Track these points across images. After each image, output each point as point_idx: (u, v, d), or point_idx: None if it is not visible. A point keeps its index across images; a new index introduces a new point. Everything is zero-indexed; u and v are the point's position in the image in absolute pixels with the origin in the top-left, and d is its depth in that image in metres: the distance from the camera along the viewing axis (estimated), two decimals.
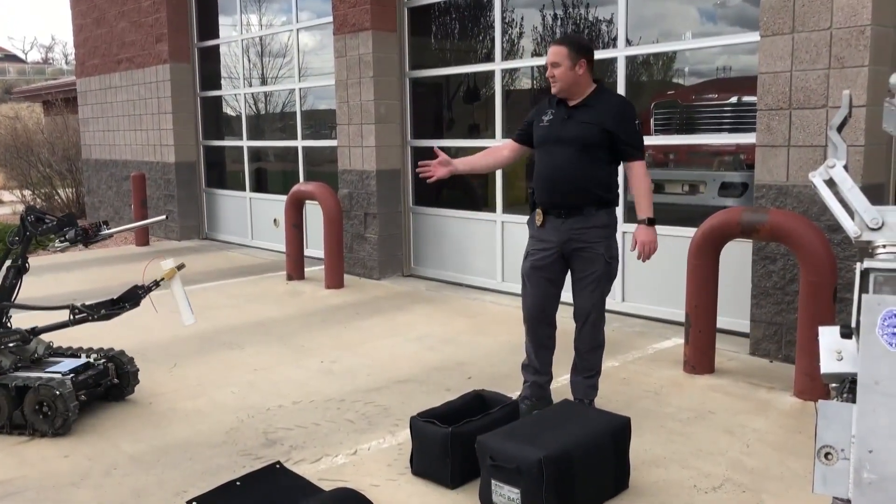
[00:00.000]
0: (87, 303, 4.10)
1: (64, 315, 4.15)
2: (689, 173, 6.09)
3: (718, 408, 4.09)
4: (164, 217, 4.86)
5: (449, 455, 3.23)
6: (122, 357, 4.37)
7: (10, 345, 4.11)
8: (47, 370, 4.11)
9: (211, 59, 10.71)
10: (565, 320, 3.98)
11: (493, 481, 3.01)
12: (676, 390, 4.36)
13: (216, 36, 10.53)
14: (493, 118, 6.97)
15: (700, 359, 4.62)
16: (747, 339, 5.01)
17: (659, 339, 5.37)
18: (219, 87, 10.66)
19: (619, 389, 4.35)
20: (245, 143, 10.18)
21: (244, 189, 10.24)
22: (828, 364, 1.73)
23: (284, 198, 7.82)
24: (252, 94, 10.10)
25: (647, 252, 3.74)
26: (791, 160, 4.66)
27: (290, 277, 7.74)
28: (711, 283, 4.58)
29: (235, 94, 10.32)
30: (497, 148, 4.18)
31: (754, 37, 4.97)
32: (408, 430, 3.58)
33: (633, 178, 3.78)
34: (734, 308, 5.20)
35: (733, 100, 5.82)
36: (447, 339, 5.52)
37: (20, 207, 15.16)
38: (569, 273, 3.89)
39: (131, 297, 4.14)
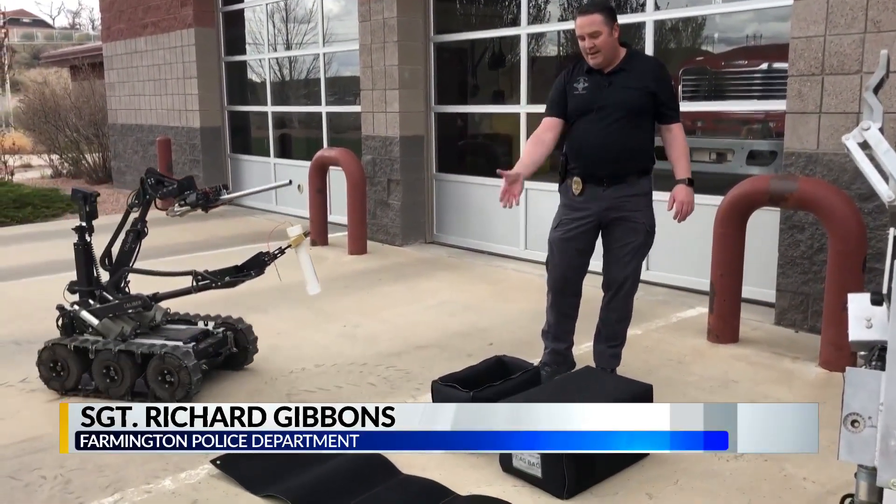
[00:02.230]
0: (210, 269, 4.00)
1: (184, 281, 4.04)
2: (717, 141, 5.99)
3: (742, 377, 4.06)
4: (288, 182, 4.61)
5: None
6: (240, 325, 4.26)
7: (130, 311, 4.02)
8: (168, 337, 4.01)
9: (235, 23, 10.67)
10: (588, 289, 3.96)
11: None
12: (699, 359, 4.33)
13: (241, 0, 10.49)
14: (519, 84, 6.89)
15: (724, 328, 4.58)
16: (772, 309, 4.96)
17: (683, 308, 5.33)
18: (243, 52, 10.64)
19: (641, 357, 4.33)
20: (269, 109, 10.18)
21: (268, 155, 10.26)
22: (857, 331, 1.70)
23: (308, 164, 7.82)
24: (276, 59, 10.06)
25: (684, 212, 3.64)
26: (822, 127, 4.56)
27: (313, 243, 7.76)
28: (737, 251, 4.52)
29: (260, 60, 10.29)
30: (539, 135, 3.84)
31: (787, 0, 4.84)
32: (429, 395, 3.60)
33: (672, 140, 3.70)
34: (760, 277, 5.14)
35: (763, 66, 5.70)
36: (469, 305, 5.52)
37: (48, 172, 15.33)
38: (599, 242, 3.81)
39: (256, 264, 4.01)
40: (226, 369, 4.24)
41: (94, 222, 4.10)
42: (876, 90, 1.69)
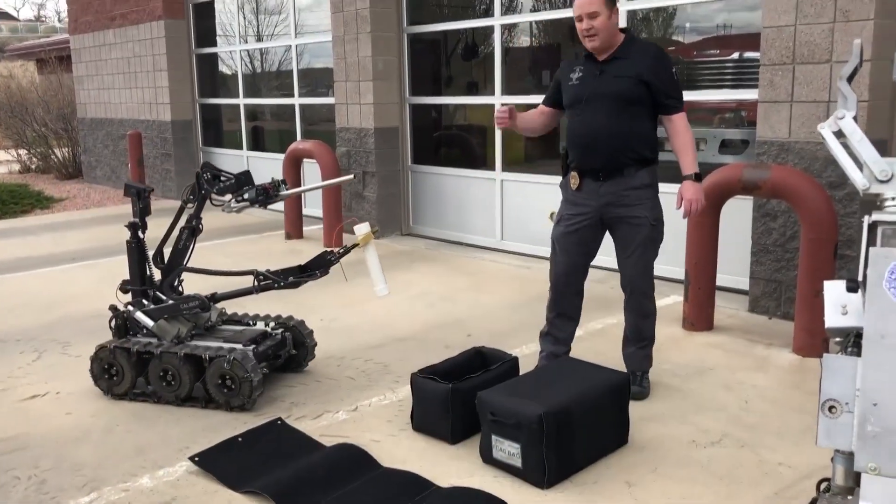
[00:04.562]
0: (272, 269, 3.83)
1: (243, 281, 3.91)
2: None
3: (717, 364, 4.11)
4: (352, 176, 4.35)
5: (449, 411, 3.24)
6: (299, 326, 4.10)
7: (186, 312, 3.85)
8: (225, 340, 3.83)
9: (206, 15, 10.54)
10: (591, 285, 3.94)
11: (493, 437, 3.02)
12: (675, 347, 4.37)
13: None
14: (493, 75, 6.89)
15: (699, 316, 4.63)
16: (746, 297, 5.02)
17: (658, 297, 5.32)
18: (214, 44, 10.52)
19: (618, 346, 4.34)
20: (241, 101, 10.08)
21: (241, 147, 10.17)
22: (832, 318, 1.72)
23: (282, 156, 7.76)
24: (248, 51, 9.96)
25: (694, 209, 3.48)
26: (793, 116, 4.61)
27: (288, 236, 7.73)
28: (711, 240, 4.56)
29: (231, 52, 10.18)
30: (534, 111, 3.87)
31: None
32: (408, 387, 3.60)
33: (675, 133, 3.53)
34: (733, 265, 5.19)
35: (735, 56, 5.74)
36: (446, 297, 5.52)
37: (16, 167, 15.08)
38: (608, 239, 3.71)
39: (321, 264, 3.84)
40: (284, 372, 4.10)
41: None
42: (849, 79, 1.71)
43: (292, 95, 9.17)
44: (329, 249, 3.86)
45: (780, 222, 4.73)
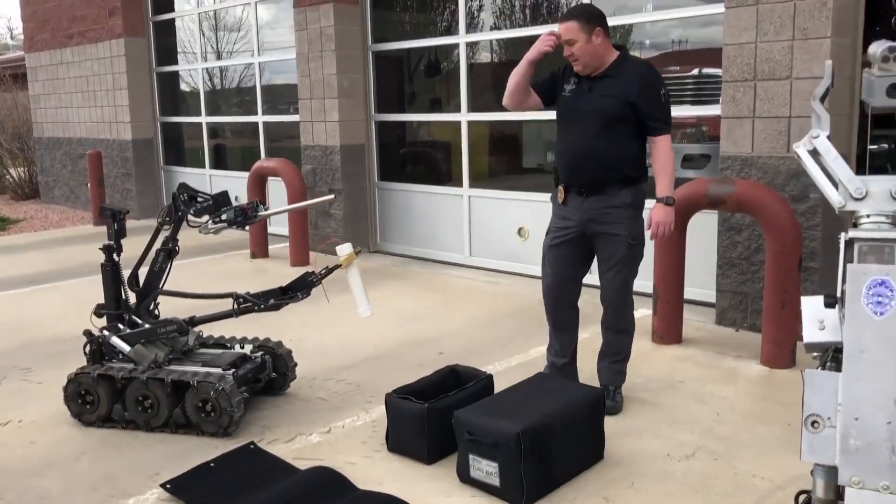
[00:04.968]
0: (241, 290, 3.78)
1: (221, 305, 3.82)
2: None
3: (688, 377, 4.15)
4: (331, 196, 4.25)
5: (425, 431, 3.22)
6: (278, 348, 4.03)
7: (163, 336, 3.76)
8: (204, 364, 3.75)
9: (167, 33, 10.44)
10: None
11: (470, 456, 3.01)
12: (645, 361, 4.40)
13: (171, 9, 10.26)
14: (459, 92, 6.92)
15: (668, 329, 4.67)
16: (713, 309, 5.08)
17: None
18: (175, 62, 10.41)
19: (591, 361, 4.37)
20: (204, 119, 9.99)
21: (204, 166, 10.06)
22: (810, 334, 1.74)
23: (246, 174, 7.69)
24: (210, 69, 9.88)
25: (661, 233, 3.51)
26: (756, 131, 4.70)
27: (253, 255, 7.65)
28: (679, 254, 4.62)
29: (192, 70, 10.09)
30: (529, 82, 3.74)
31: (719, 8, 4.98)
32: (381, 407, 3.57)
33: (656, 155, 3.53)
34: (700, 278, 5.26)
35: (695, 72, 5.84)
36: (417, 314, 5.50)
37: None
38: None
39: (303, 285, 3.76)
40: (265, 395, 4.02)
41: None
42: (822, 99, 1.75)
43: (255, 113, 9.11)
44: (311, 270, 3.80)
45: (745, 235, 4.81)
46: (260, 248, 7.64)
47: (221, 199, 3.81)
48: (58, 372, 4.45)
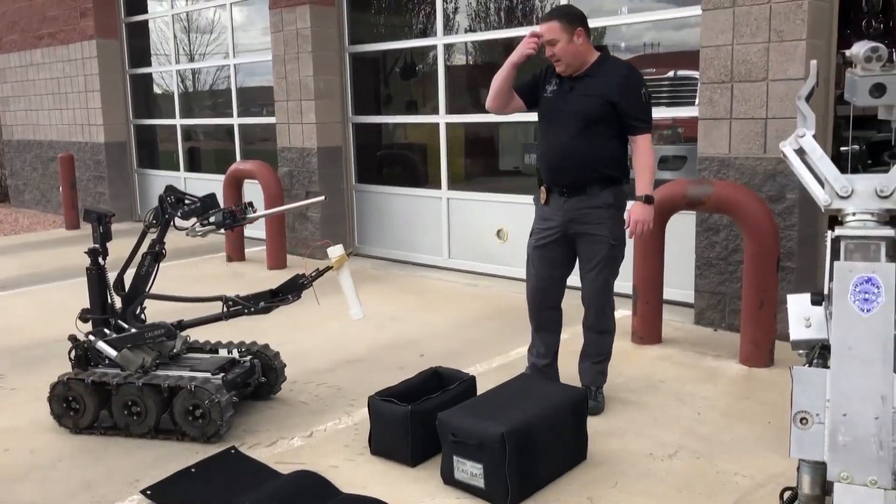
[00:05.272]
0: (242, 294, 3.71)
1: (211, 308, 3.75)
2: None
3: (668, 377, 4.17)
4: (323, 198, 4.22)
5: (409, 433, 3.21)
6: (266, 351, 3.97)
7: (150, 341, 3.69)
8: (192, 368, 3.69)
9: (140, 34, 10.33)
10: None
11: (455, 458, 3.00)
12: (626, 361, 4.42)
13: (144, 11, 10.16)
14: (437, 94, 6.91)
15: (648, 330, 4.70)
16: (691, 310, 5.12)
17: None
18: (149, 63, 10.30)
19: (572, 362, 4.38)
20: (178, 122, 9.89)
21: (178, 169, 9.96)
22: (797, 331, 1.76)
23: (221, 177, 7.62)
24: (184, 70, 9.79)
25: (639, 231, 3.51)
26: (733, 132, 4.75)
27: (229, 259, 7.59)
28: (658, 255, 4.64)
29: (163, 72, 9.99)
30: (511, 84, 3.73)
31: (695, 10, 5.02)
32: (363, 410, 3.55)
33: (636, 153, 3.53)
34: (678, 279, 5.29)
35: (670, 74, 5.88)
36: (396, 317, 5.48)
37: None
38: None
39: (293, 288, 3.71)
40: (254, 399, 3.97)
41: None
42: (807, 99, 1.76)
43: (231, 115, 9.04)
44: (301, 273, 3.76)
45: (723, 236, 4.85)
46: (236, 252, 7.58)
47: (209, 202, 3.76)
48: (31, 378, 4.38)
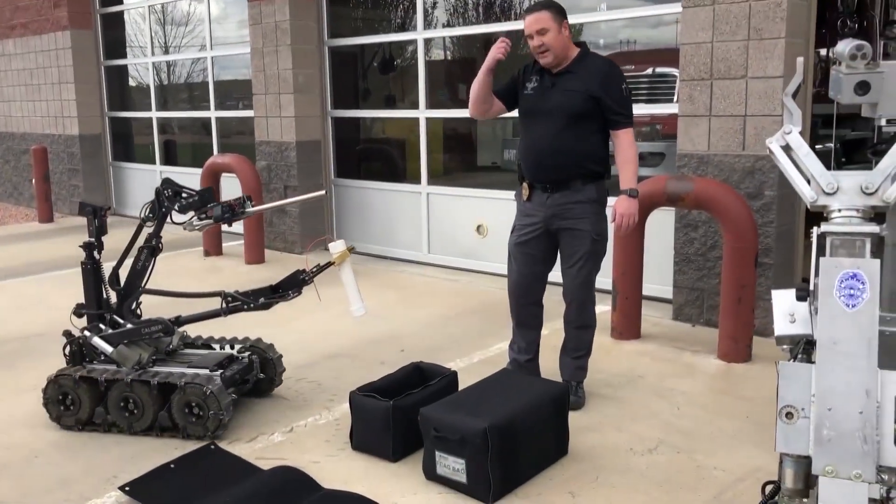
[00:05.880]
0: (242, 290, 3.65)
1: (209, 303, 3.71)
2: None
3: (647, 372, 4.20)
4: (322, 192, 4.14)
5: (390, 428, 3.20)
6: (264, 347, 3.93)
7: (146, 336, 3.64)
8: (189, 365, 3.65)
9: (115, 26, 10.19)
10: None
11: (437, 453, 2.99)
12: (605, 356, 4.44)
13: (120, 2, 10.02)
14: (417, 88, 6.89)
15: (627, 325, 4.72)
16: (670, 305, 5.15)
17: None
18: (124, 55, 10.17)
19: (551, 357, 4.39)
20: (154, 115, 9.78)
21: (154, 162, 9.85)
22: (781, 326, 1.77)
23: (198, 171, 7.55)
24: (160, 63, 9.67)
25: (625, 225, 3.49)
26: (712, 130, 4.78)
27: (207, 253, 7.52)
28: (637, 250, 4.67)
29: (139, 64, 9.86)
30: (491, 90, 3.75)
31: (675, 8, 5.05)
32: (344, 406, 3.54)
33: (619, 148, 3.54)
34: (656, 275, 5.33)
35: (648, 71, 5.91)
36: (377, 312, 5.45)
37: None
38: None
39: (294, 284, 3.65)
40: (253, 396, 3.92)
41: None
42: (794, 95, 1.78)
43: (208, 108, 8.95)
44: (302, 269, 3.71)
45: (701, 232, 4.89)
46: (213, 246, 7.51)
47: (207, 196, 3.71)
48: (5, 374, 4.31)
